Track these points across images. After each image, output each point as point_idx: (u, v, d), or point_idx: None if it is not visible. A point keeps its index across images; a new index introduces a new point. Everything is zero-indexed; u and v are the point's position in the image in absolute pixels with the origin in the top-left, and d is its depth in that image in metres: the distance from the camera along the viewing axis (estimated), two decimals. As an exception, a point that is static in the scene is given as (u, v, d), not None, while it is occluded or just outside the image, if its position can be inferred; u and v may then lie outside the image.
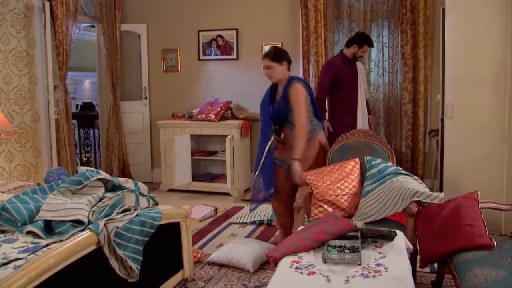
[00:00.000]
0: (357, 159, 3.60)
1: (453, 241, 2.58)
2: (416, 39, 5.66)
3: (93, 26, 6.93)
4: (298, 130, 3.64)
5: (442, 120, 4.54)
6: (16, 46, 4.93)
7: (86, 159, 7.96)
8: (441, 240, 2.69)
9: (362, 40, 4.93)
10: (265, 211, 4.87)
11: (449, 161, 4.26)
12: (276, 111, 3.83)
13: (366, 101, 5.20)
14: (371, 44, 4.99)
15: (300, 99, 3.66)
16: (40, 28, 5.18)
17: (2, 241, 2.54)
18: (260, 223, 4.82)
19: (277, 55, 3.78)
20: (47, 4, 5.13)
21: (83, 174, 3.13)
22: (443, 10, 4.42)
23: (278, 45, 4.13)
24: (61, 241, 2.51)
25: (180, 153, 6.00)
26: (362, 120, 5.03)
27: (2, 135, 4.46)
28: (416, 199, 3.01)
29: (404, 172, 3.41)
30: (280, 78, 3.80)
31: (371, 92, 5.97)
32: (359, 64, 5.12)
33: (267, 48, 6.21)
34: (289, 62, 3.86)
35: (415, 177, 3.39)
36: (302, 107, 3.66)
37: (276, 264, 2.42)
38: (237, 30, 6.44)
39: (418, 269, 3.09)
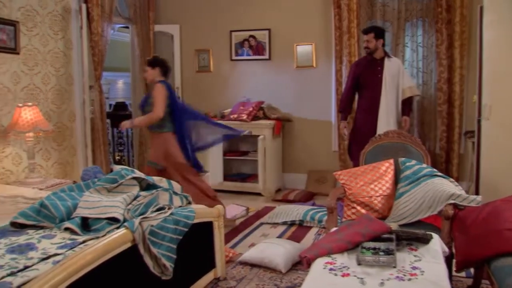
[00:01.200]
0: (391, 160, 3.54)
1: (492, 245, 2.51)
2: (451, 39, 5.53)
3: (127, 27, 7.06)
4: (151, 114, 4.33)
5: (479, 121, 4.43)
6: (54, 47, 5.07)
7: (119, 158, 8.09)
8: (478, 244, 2.62)
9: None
10: (297, 211, 4.85)
11: (486, 163, 4.16)
12: (140, 104, 4.61)
13: (408, 99, 5.00)
14: (363, 31, 5.05)
15: (158, 95, 4.33)
16: (76, 29, 5.32)
17: (41, 236, 2.61)
18: (292, 223, 4.81)
19: (151, 62, 4.54)
20: (83, 7, 5.27)
21: (118, 173, 3.18)
22: (481, 8, 4.32)
23: (157, 55, 4.67)
24: (98, 238, 2.56)
25: (212, 153, 6.03)
26: (386, 121, 4.84)
27: (40, 134, 4.58)
28: (452, 201, 2.95)
29: (439, 174, 3.34)
30: (151, 79, 4.53)
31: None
32: (392, 62, 4.97)
33: (299, 48, 6.25)
34: (162, 68, 4.51)
35: (451, 179, 3.31)
36: (160, 101, 4.31)
37: (309, 265, 2.41)
38: (269, 30, 6.44)
39: (453, 273, 3.03)
